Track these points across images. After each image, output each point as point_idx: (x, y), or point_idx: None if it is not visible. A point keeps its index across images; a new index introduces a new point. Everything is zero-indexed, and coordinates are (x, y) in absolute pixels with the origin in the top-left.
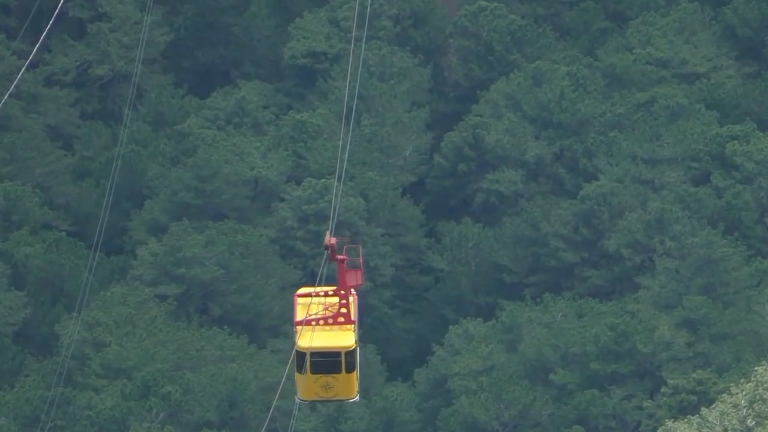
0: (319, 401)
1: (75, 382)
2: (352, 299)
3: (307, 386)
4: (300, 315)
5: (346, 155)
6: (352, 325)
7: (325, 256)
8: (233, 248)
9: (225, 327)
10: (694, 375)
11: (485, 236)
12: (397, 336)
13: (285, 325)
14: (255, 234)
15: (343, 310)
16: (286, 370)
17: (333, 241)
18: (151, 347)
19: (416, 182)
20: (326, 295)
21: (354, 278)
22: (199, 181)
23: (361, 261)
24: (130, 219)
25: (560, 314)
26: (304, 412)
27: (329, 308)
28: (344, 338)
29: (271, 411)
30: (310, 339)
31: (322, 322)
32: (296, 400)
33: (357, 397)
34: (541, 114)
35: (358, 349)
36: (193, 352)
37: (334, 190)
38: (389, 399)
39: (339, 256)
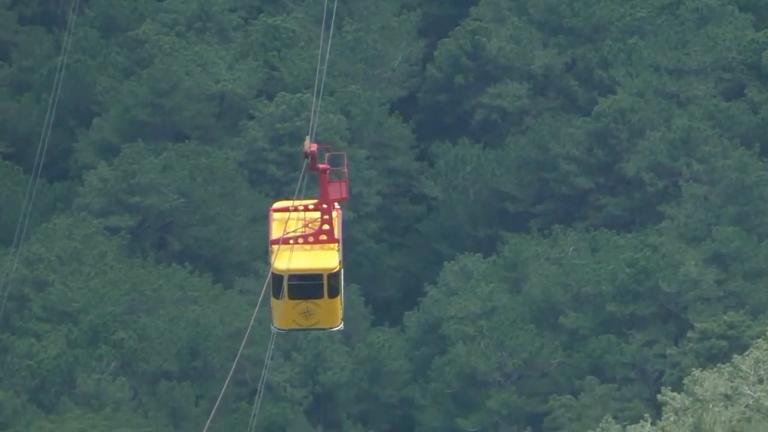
0: (298, 330)
1: (13, 327)
2: (336, 214)
3: (285, 313)
4: (276, 233)
5: (326, 66)
6: (336, 244)
7: (304, 165)
8: (195, 173)
9: (186, 264)
10: (725, 317)
11: (485, 159)
12: (384, 274)
13: (255, 261)
14: (220, 157)
15: (326, 226)
16: (255, 313)
17: (314, 147)
18: (100, 287)
19: (406, 97)
20: (306, 209)
21: (338, 190)
22: (156, 96)
23: (346, 171)
24: (75, 139)
25: (571, 248)
26: (277, 361)
27: (309, 225)
28: (327, 259)
29: (236, 358)
30: (287, 260)
31: (302, 240)
32: (272, 329)
33: (341, 326)
34: (549, 18)
35: (342, 271)
36: (149, 292)
37: (312, 106)
38: (375, 346)
39: (320, 165)
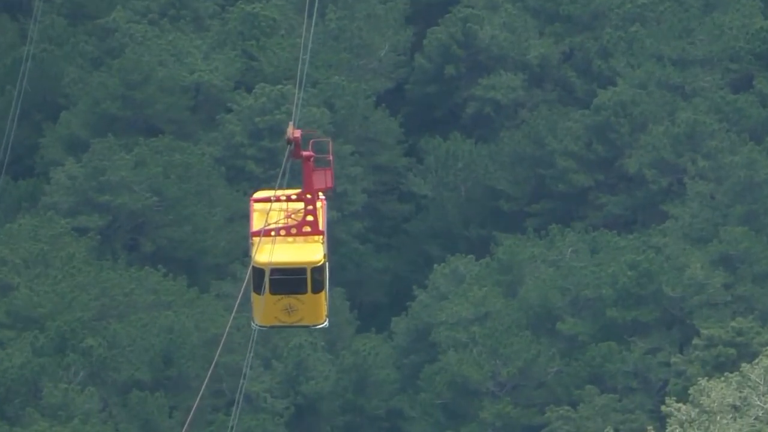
0: (280, 327)
1: None
2: (321, 205)
3: (266, 309)
4: (257, 224)
5: (308, 56)
6: (320, 236)
7: (287, 153)
8: (169, 170)
9: (159, 267)
10: (732, 323)
11: (478, 155)
12: (371, 277)
13: (233, 264)
14: (196, 153)
15: (309, 217)
16: (231, 320)
17: (297, 133)
18: (68, 291)
19: (393, 89)
20: (288, 199)
21: (322, 179)
22: (127, 88)
23: (331, 159)
24: (42, 134)
25: (570, 250)
26: (256, 370)
27: (292, 216)
28: (310, 252)
29: (212, 366)
30: (269, 253)
31: (284, 232)
32: (252, 326)
33: (326, 323)
34: (545, 5)
35: (327, 264)
36: (120, 297)
37: (295, 99)
38: (361, 354)
39: (305, 153)
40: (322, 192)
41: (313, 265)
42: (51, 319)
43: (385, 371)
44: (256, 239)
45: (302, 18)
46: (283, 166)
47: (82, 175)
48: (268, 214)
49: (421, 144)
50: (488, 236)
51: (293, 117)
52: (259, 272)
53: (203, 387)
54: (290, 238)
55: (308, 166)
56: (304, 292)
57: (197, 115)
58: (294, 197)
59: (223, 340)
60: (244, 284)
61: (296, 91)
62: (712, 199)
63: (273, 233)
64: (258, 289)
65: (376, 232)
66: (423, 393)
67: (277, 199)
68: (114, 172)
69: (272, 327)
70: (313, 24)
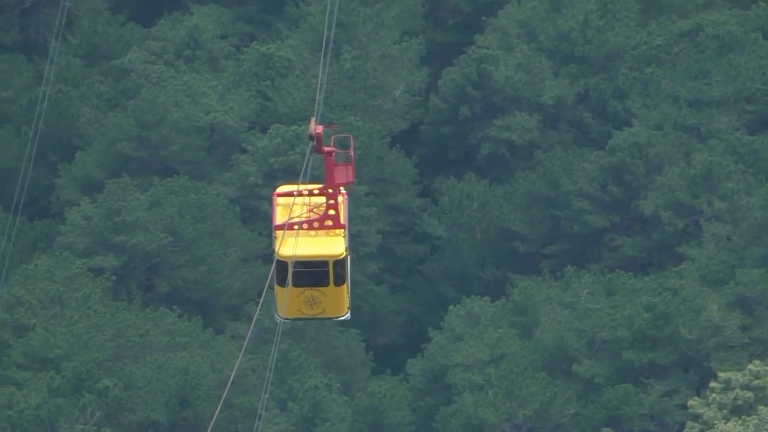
0: (303, 319)
1: None
2: (342, 199)
3: (290, 302)
4: (280, 218)
5: (322, 96)
6: (342, 230)
7: (309, 148)
8: (184, 210)
9: (174, 307)
10: (750, 366)
11: (493, 196)
12: (386, 318)
13: (247, 304)
14: (211, 193)
15: (332, 212)
16: (238, 361)
17: (319, 129)
18: (84, 332)
19: (408, 129)
20: (311, 194)
21: (344, 174)
22: (142, 129)
23: (352, 154)
24: (57, 175)
25: (585, 291)
26: (271, 411)
27: (315, 210)
28: (332, 245)
29: (218, 407)
30: (292, 246)
31: (307, 226)
32: (276, 318)
33: (348, 315)
34: (560, 45)
35: (348, 257)
36: (136, 337)
37: (308, 148)
38: (376, 396)
39: (326, 148)
40: (344, 186)
41: (335, 259)
42: (67, 359)
43: (401, 413)
44: (279, 233)
45: (317, 58)
46: (305, 162)
47: (97, 215)
48: (291, 207)
49: (436, 185)
50: (503, 277)
51: (316, 109)
52: (282, 265)
53: (210, 426)
54: (312, 232)
55: (330, 161)
56: (327, 284)
57: (212, 156)
58: (316, 192)
59: (230, 381)
60: (252, 326)
61: (321, 73)
62: (729, 240)
63: (296, 227)
64: (281, 282)
65: (391, 273)
66: None
67: (300, 194)
68: (129, 212)
69: (295, 319)
70: (327, 64)
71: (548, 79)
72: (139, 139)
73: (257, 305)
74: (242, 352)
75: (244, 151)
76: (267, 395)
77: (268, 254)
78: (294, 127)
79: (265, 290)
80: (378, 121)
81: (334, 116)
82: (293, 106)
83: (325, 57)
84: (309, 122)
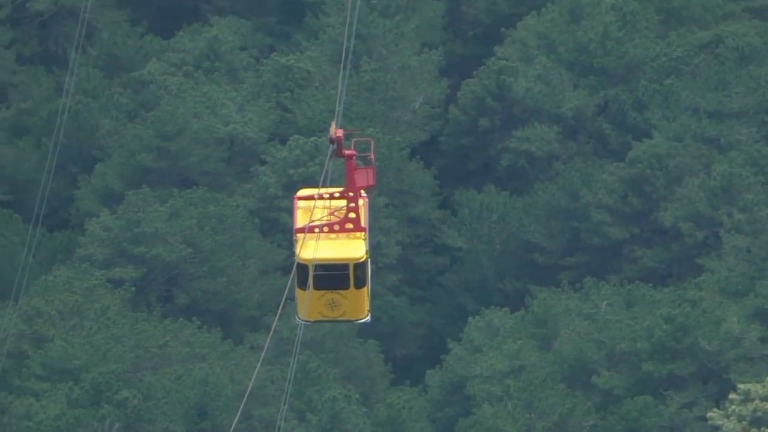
0: (323, 321)
1: (11, 386)
2: (362, 202)
3: (311, 304)
4: (301, 221)
5: (342, 108)
6: (363, 233)
7: (330, 152)
8: (203, 222)
9: (193, 319)
10: None
11: (512, 207)
12: (405, 330)
13: (266, 316)
14: (230, 204)
15: (352, 215)
16: (256, 372)
17: (340, 133)
18: (103, 343)
19: (428, 141)
20: (331, 197)
21: (365, 177)
22: (162, 140)
23: (373, 157)
24: (77, 186)
25: (605, 303)
26: (290, 422)
27: (335, 213)
28: (353, 248)
29: (237, 416)
30: (313, 249)
31: (327, 229)
32: (296, 320)
33: (368, 318)
34: (580, 57)
35: (369, 260)
36: (155, 349)
37: (329, 152)
38: (395, 407)
39: (347, 151)
40: (364, 189)
41: (355, 261)
42: (86, 371)
43: (420, 424)
44: (300, 236)
45: (336, 70)
46: (325, 165)
47: (116, 226)
48: (311, 211)
49: (456, 196)
50: (523, 289)
51: (336, 111)
52: (303, 268)
53: None
54: (333, 235)
55: (350, 165)
56: (347, 287)
57: (231, 167)
58: (337, 195)
59: (247, 392)
60: (270, 337)
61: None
62: (748, 252)
63: (317, 230)
64: (302, 284)
65: (411, 284)
66: None
67: (320, 197)
68: (148, 223)
69: (316, 321)
70: (347, 76)
71: (568, 91)
72: (159, 150)
73: (276, 316)
74: (260, 363)
75: (263, 163)
76: (286, 406)
77: (287, 266)
78: (313, 138)
79: (283, 301)
80: (397, 132)
81: (353, 128)
82: (312, 118)
83: (344, 68)
84: (329, 126)
